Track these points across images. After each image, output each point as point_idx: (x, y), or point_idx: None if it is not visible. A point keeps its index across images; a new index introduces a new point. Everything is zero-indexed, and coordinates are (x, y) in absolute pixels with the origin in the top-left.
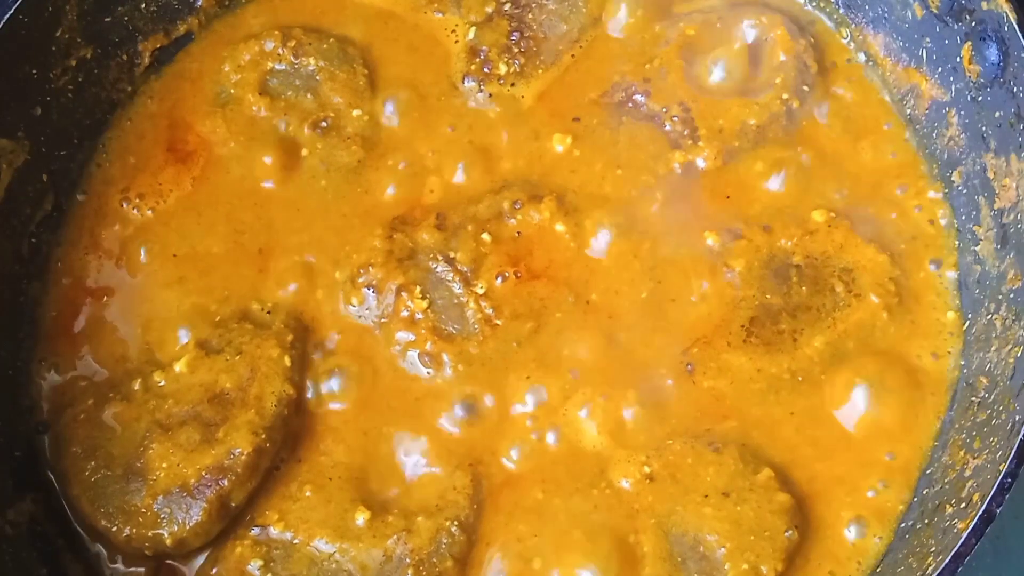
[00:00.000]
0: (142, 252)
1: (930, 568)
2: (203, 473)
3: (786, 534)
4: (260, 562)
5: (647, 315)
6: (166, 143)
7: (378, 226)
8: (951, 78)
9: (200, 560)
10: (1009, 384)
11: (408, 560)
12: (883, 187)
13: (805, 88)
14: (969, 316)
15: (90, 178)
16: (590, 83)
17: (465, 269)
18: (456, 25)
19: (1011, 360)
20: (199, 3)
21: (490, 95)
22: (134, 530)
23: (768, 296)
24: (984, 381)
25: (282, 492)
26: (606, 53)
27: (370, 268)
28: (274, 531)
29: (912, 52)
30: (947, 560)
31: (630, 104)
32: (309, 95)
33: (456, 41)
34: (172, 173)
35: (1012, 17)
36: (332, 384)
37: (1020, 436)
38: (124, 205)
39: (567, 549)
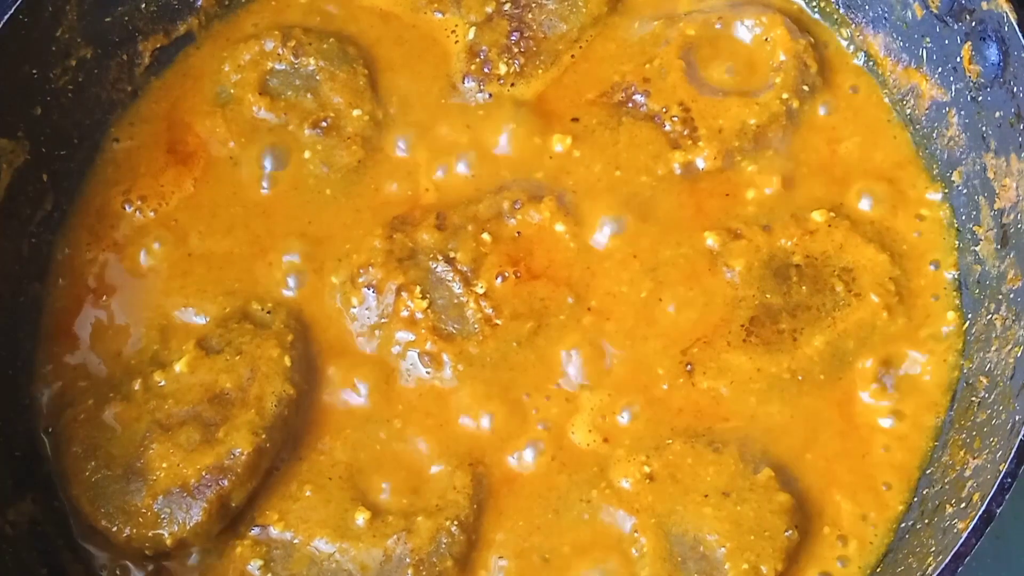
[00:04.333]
0: (142, 253)
1: (930, 568)
2: (203, 473)
3: (786, 534)
4: (260, 562)
5: (647, 315)
6: (166, 144)
7: (378, 226)
8: (951, 78)
9: (200, 560)
10: (1009, 384)
11: (408, 560)
12: (883, 187)
13: (805, 88)
14: (969, 316)
15: (90, 178)
16: (590, 83)
17: (465, 269)
18: (456, 25)
19: (1011, 360)
20: (199, 3)
21: (490, 95)
22: (134, 530)
23: (768, 296)
24: (984, 381)
25: (282, 492)
26: (606, 53)
27: (370, 268)
28: (274, 531)
29: (912, 52)
30: (947, 560)
31: (630, 104)
32: (309, 95)
33: (456, 41)
34: (173, 175)
35: (1012, 17)
36: (332, 384)
37: (1020, 436)
38: (127, 208)
39: (567, 549)
